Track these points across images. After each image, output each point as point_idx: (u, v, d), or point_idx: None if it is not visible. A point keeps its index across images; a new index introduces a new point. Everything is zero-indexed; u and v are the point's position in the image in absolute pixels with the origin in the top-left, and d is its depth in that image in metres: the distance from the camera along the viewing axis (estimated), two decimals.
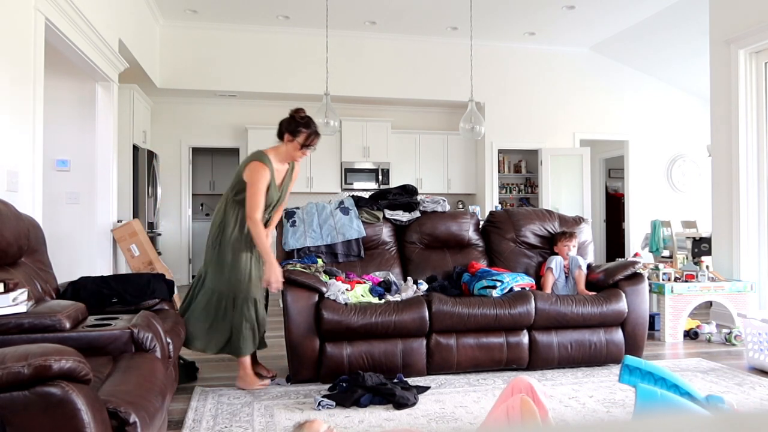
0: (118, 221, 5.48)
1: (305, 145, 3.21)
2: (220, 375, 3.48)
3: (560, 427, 0.45)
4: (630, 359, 2.17)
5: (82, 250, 5.19)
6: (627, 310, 3.61)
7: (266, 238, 3.17)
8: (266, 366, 3.53)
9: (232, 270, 3.19)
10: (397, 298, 3.46)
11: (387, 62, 8.00)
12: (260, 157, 3.19)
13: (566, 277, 3.90)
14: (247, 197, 3.13)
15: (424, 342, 3.36)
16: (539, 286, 3.88)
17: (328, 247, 3.89)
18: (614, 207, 10.27)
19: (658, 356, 3.95)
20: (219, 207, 3.32)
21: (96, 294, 2.79)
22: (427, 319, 3.31)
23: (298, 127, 3.19)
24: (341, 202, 4.05)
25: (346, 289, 3.37)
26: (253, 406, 2.89)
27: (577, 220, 4.33)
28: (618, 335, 3.62)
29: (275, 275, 3.13)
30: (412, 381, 3.26)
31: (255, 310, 3.24)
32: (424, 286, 3.65)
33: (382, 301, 3.40)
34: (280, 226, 3.94)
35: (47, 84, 4.35)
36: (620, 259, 5.23)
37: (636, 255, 5.03)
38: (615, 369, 3.55)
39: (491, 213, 4.46)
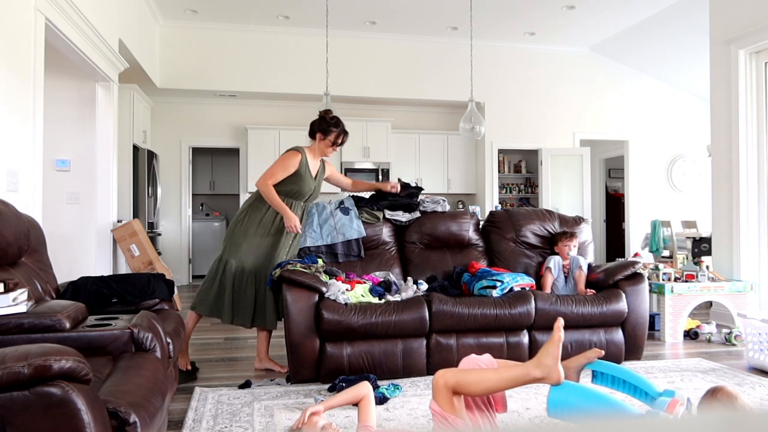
0: (118, 221, 5.48)
1: (336, 143, 3.64)
2: (220, 375, 3.48)
3: (560, 428, 0.45)
4: (597, 364, 2.21)
5: (82, 250, 5.19)
6: (627, 310, 3.61)
7: (278, 198, 3.56)
8: (279, 362, 3.63)
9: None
10: (397, 298, 3.46)
11: (387, 62, 8.00)
12: (296, 147, 3.69)
13: (566, 278, 3.90)
14: (269, 168, 3.58)
15: (424, 342, 3.36)
16: (539, 286, 3.88)
17: (328, 247, 3.89)
18: (614, 207, 10.27)
19: (658, 356, 3.95)
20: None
21: (96, 294, 2.79)
22: (427, 319, 3.31)
23: (329, 127, 3.62)
24: (341, 202, 4.05)
25: (346, 289, 3.37)
26: (253, 406, 2.89)
27: (577, 220, 4.33)
28: (618, 335, 3.62)
29: (293, 221, 3.55)
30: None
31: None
32: (424, 286, 3.65)
33: (382, 301, 3.40)
34: None
35: (47, 84, 4.35)
36: (620, 259, 5.23)
37: (636, 255, 5.03)
38: None
39: (491, 213, 4.46)
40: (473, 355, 2.21)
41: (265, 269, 3.59)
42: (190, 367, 3.41)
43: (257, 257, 3.59)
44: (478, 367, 2.11)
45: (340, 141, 3.65)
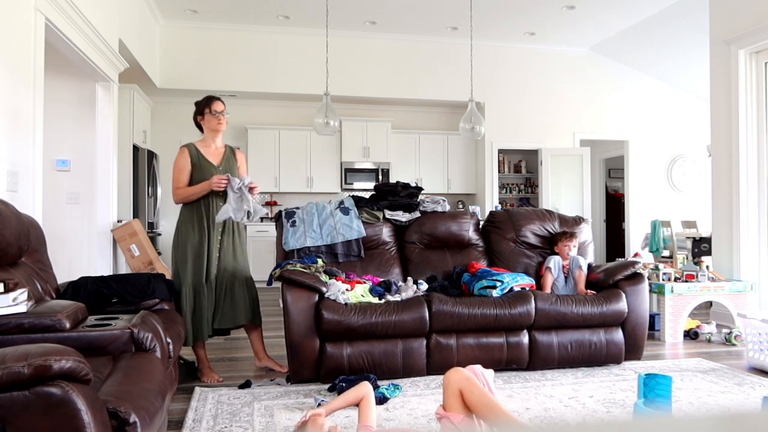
0: (118, 221, 5.47)
1: (213, 112, 3.54)
2: (220, 375, 3.48)
3: (560, 427, 0.45)
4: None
5: (82, 250, 5.19)
6: (627, 310, 3.60)
7: (193, 188, 3.46)
8: (279, 362, 3.62)
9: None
10: (397, 298, 3.46)
11: (387, 62, 8.00)
12: (183, 144, 3.60)
13: (566, 278, 3.89)
14: (172, 181, 3.53)
15: (424, 342, 3.36)
16: (539, 286, 3.88)
17: (328, 247, 3.89)
18: (614, 207, 10.28)
19: (658, 356, 3.95)
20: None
21: (96, 294, 2.79)
22: (427, 319, 3.31)
23: (199, 106, 3.59)
24: (341, 202, 4.05)
25: (346, 289, 3.37)
26: (253, 406, 2.89)
27: (577, 220, 4.33)
28: (618, 335, 3.62)
29: (214, 179, 3.40)
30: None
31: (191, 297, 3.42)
32: (424, 286, 3.65)
33: (382, 301, 3.40)
34: (280, 227, 3.94)
35: (47, 84, 4.35)
36: (620, 259, 5.23)
37: (636, 255, 5.03)
38: (615, 369, 3.55)
39: (491, 213, 4.46)
40: (478, 367, 2.28)
41: (201, 263, 3.42)
42: (221, 379, 3.39)
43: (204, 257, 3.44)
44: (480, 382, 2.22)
45: (213, 107, 3.52)
